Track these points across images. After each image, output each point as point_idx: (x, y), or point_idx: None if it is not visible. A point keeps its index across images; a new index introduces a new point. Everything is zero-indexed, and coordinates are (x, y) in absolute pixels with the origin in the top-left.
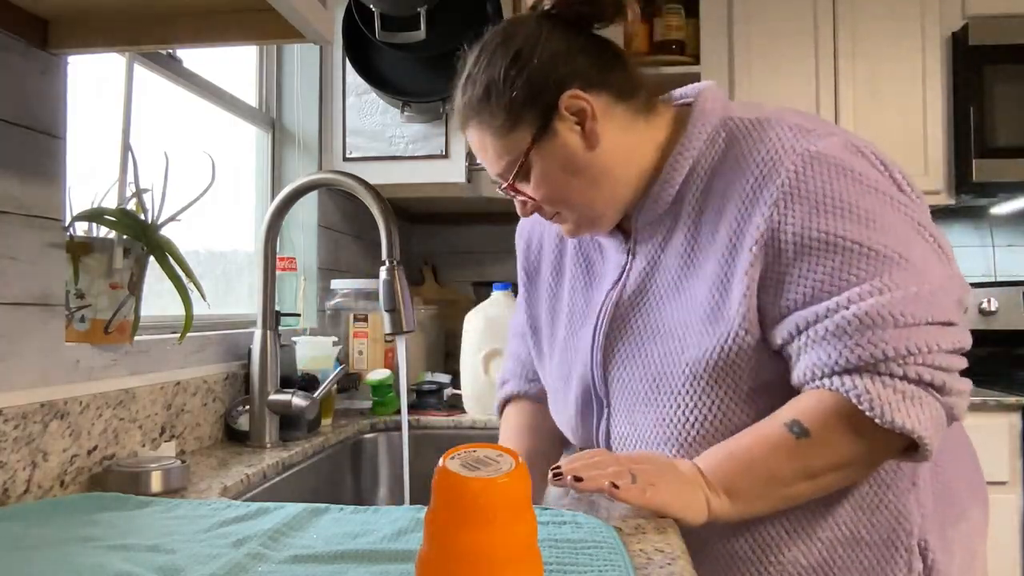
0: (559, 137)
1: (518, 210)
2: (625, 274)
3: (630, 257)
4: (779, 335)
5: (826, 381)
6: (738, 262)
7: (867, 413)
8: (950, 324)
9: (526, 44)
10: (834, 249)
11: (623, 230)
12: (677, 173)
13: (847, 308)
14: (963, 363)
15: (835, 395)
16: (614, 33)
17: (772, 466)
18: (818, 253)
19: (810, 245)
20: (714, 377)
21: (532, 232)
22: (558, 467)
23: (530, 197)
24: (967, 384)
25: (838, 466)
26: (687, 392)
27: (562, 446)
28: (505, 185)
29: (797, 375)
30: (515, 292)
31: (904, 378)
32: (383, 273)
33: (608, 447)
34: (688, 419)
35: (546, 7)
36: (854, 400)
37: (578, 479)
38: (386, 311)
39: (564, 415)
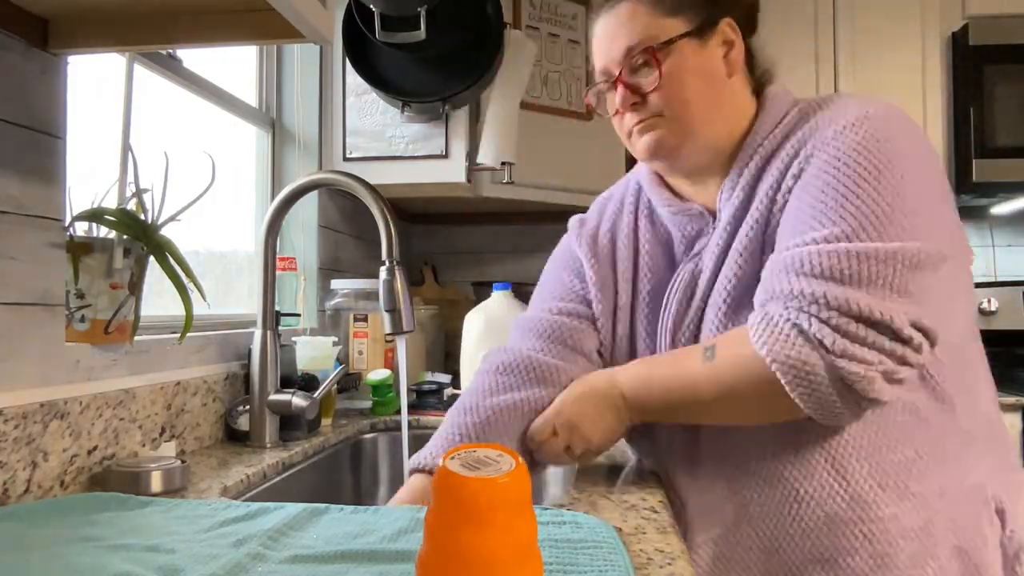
0: (708, 48)
1: (618, 101)
2: (709, 246)
3: (711, 233)
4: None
5: (753, 314)
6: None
7: (751, 342)
8: (898, 292)
9: None
10: (828, 192)
11: (696, 206)
12: (752, 151)
13: (799, 247)
14: (876, 336)
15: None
16: None
17: (686, 393)
18: (814, 192)
19: (813, 182)
20: None
21: (601, 228)
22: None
23: (638, 91)
24: (872, 355)
25: (733, 396)
26: None
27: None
28: (630, 61)
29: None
30: (515, 292)
31: (790, 321)
32: (383, 273)
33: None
34: None
35: None
36: (751, 334)
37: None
38: (386, 311)
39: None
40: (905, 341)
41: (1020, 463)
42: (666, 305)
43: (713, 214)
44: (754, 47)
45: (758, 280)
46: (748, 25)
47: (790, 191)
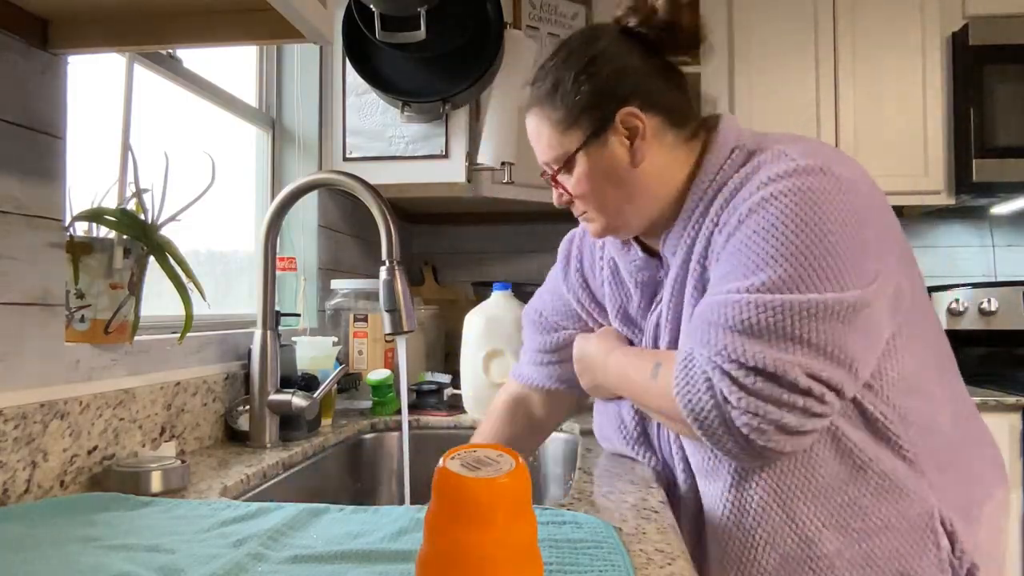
0: (608, 147)
1: (554, 199)
2: (662, 294)
3: (664, 275)
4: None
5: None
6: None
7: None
8: (803, 346)
9: (603, 54)
10: (744, 243)
11: (648, 250)
12: (700, 194)
13: (717, 295)
14: (766, 385)
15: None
16: None
17: (637, 389)
18: (739, 249)
19: (739, 237)
20: None
21: (583, 247)
22: None
23: (567, 191)
24: (762, 407)
25: (659, 411)
26: None
27: (541, 436)
28: (548, 174)
29: None
30: (515, 292)
31: (701, 371)
32: (383, 273)
33: (671, 457)
34: None
35: (630, 24)
36: (674, 372)
37: None
38: (386, 311)
39: (615, 425)
40: (804, 393)
41: (999, 471)
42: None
43: (661, 261)
44: (676, 103)
45: None
46: (664, 89)
47: (723, 246)
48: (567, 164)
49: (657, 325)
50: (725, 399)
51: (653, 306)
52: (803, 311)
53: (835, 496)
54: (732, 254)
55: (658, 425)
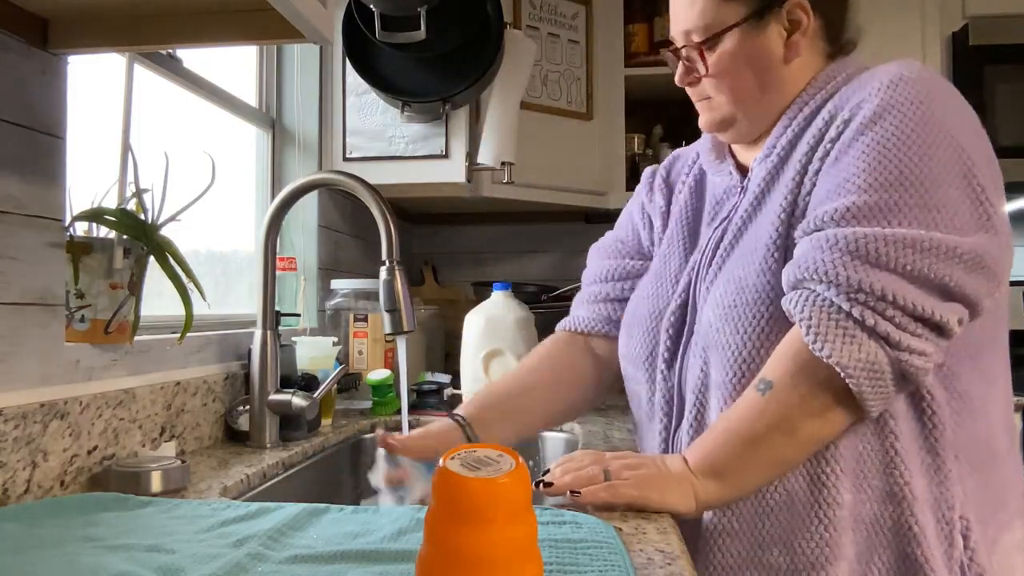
0: (765, 32)
1: (677, 76)
2: (734, 211)
3: (741, 196)
4: (797, 235)
5: (792, 294)
6: (804, 187)
7: (809, 345)
8: (940, 286)
9: None
10: (869, 154)
11: (740, 168)
12: (802, 104)
13: (842, 220)
14: (925, 331)
15: (795, 333)
16: (615, 32)
17: (747, 432)
18: (854, 155)
19: (851, 147)
20: (773, 312)
21: (671, 166)
22: (546, 474)
23: (704, 67)
24: (928, 346)
25: (807, 413)
26: (752, 326)
27: (580, 396)
28: (684, 45)
29: (783, 275)
30: (515, 292)
31: (849, 316)
32: (383, 273)
33: (679, 385)
34: (750, 358)
35: None
36: (803, 331)
37: (575, 492)
38: (386, 311)
39: (637, 341)
40: (948, 334)
41: (1022, 503)
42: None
43: (745, 173)
44: (838, 16)
45: (782, 245)
46: (822, 3)
47: (828, 154)
48: (714, 38)
49: (720, 238)
50: (892, 344)
51: (720, 221)
52: (951, 254)
53: (859, 446)
54: (846, 166)
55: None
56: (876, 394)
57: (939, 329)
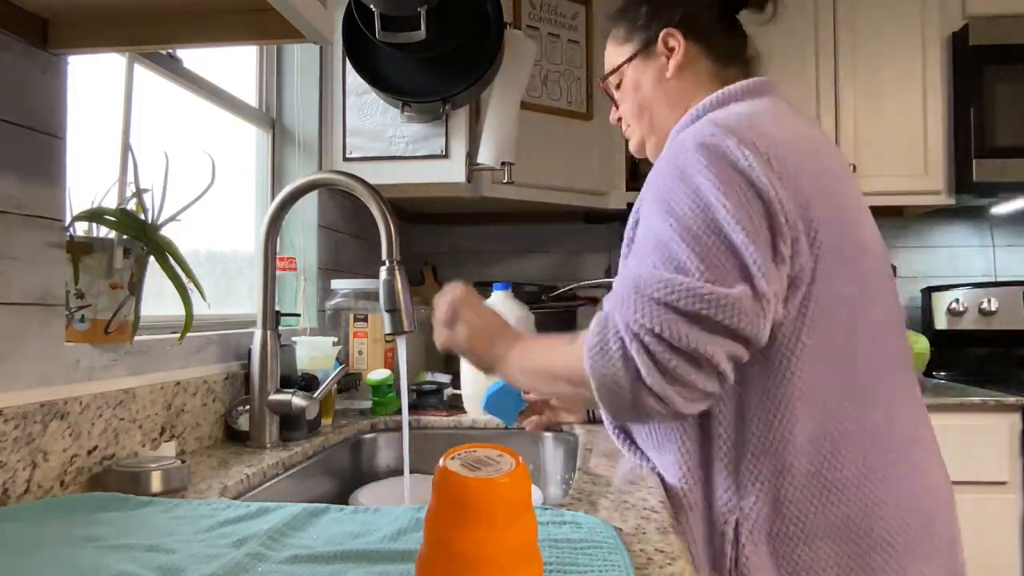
0: (650, 62)
1: (611, 116)
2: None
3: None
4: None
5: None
6: None
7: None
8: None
9: None
10: (643, 223)
11: None
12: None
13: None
14: (698, 375)
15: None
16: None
17: (547, 365)
18: (640, 227)
19: (639, 219)
20: None
21: None
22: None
23: (616, 104)
24: (691, 396)
25: (570, 380)
26: None
27: None
28: (602, 85)
29: None
30: (515, 292)
31: (617, 333)
32: (383, 273)
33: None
34: None
35: None
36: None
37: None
38: (386, 311)
39: None
40: (723, 378)
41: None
42: None
43: None
44: (720, 39)
45: None
46: (713, 24)
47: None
48: (615, 72)
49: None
50: (637, 374)
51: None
52: (732, 306)
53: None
54: (644, 217)
55: None
56: (604, 391)
57: (713, 372)
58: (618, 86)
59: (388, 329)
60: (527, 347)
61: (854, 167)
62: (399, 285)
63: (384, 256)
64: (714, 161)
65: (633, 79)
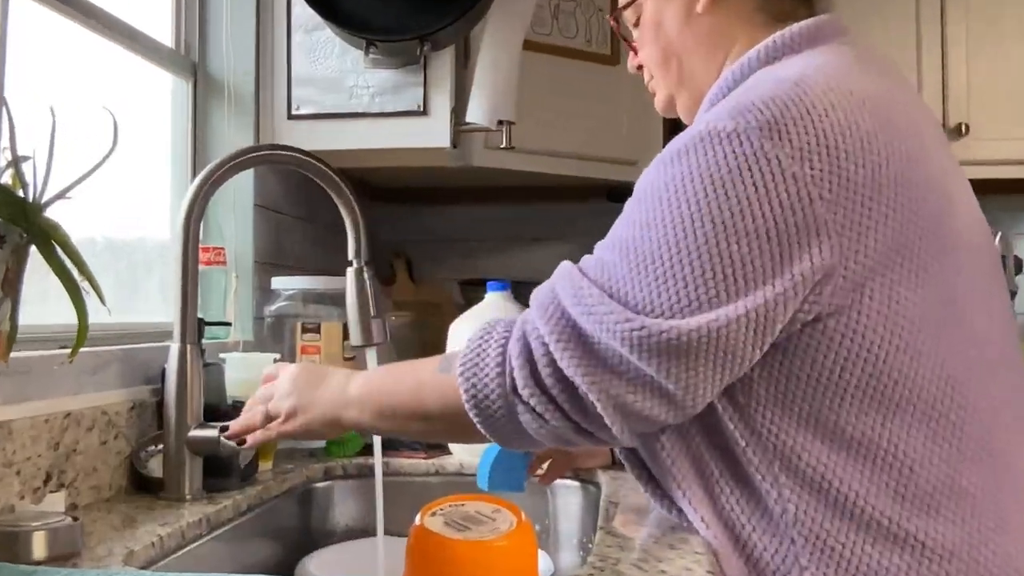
0: None
1: (628, 65)
2: None
3: None
4: None
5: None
6: None
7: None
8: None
9: None
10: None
11: None
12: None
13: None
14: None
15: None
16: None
17: (407, 402)
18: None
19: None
20: None
21: None
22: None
23: (634, 48)
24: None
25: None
26: None
27: None
28: (613, 23)
29: None
30: (515, 293)
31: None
32: (350, 275)
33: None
34: None
35: None
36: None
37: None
38: (352, 319)
39: None
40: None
41: None
42: None
43: None
44: None
45: None
46: None
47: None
48: (636, 10)
49: None
50: (514, 387)
51: None
52: (595, 300)
53: None
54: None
55: None
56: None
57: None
58: (636, 23)
59: (357, 341)
60: (373, 375)
61: (966, 128)
62: (369, 288)
63: (351, 254)
64: (723, 174)
65: (654, 14)
